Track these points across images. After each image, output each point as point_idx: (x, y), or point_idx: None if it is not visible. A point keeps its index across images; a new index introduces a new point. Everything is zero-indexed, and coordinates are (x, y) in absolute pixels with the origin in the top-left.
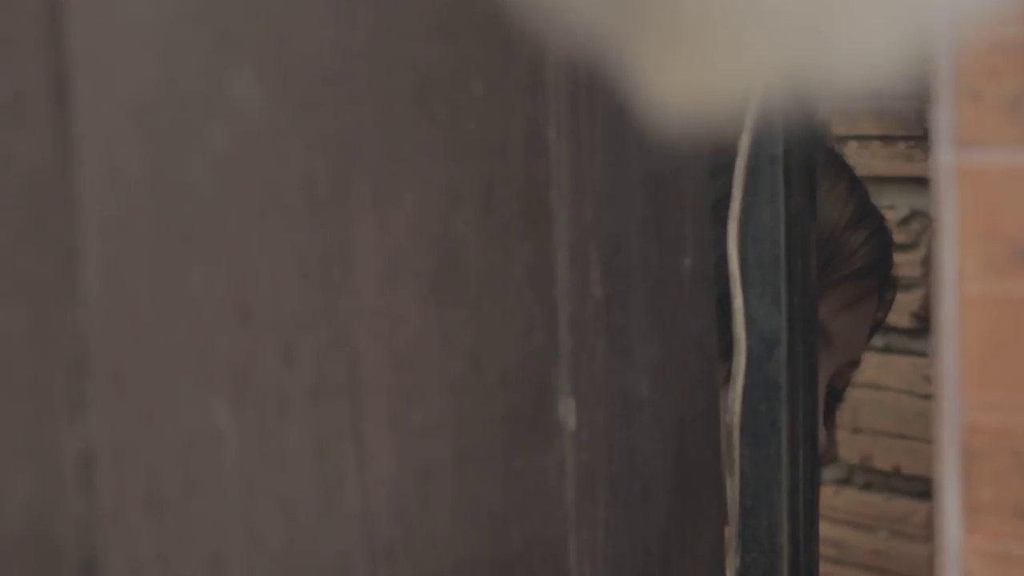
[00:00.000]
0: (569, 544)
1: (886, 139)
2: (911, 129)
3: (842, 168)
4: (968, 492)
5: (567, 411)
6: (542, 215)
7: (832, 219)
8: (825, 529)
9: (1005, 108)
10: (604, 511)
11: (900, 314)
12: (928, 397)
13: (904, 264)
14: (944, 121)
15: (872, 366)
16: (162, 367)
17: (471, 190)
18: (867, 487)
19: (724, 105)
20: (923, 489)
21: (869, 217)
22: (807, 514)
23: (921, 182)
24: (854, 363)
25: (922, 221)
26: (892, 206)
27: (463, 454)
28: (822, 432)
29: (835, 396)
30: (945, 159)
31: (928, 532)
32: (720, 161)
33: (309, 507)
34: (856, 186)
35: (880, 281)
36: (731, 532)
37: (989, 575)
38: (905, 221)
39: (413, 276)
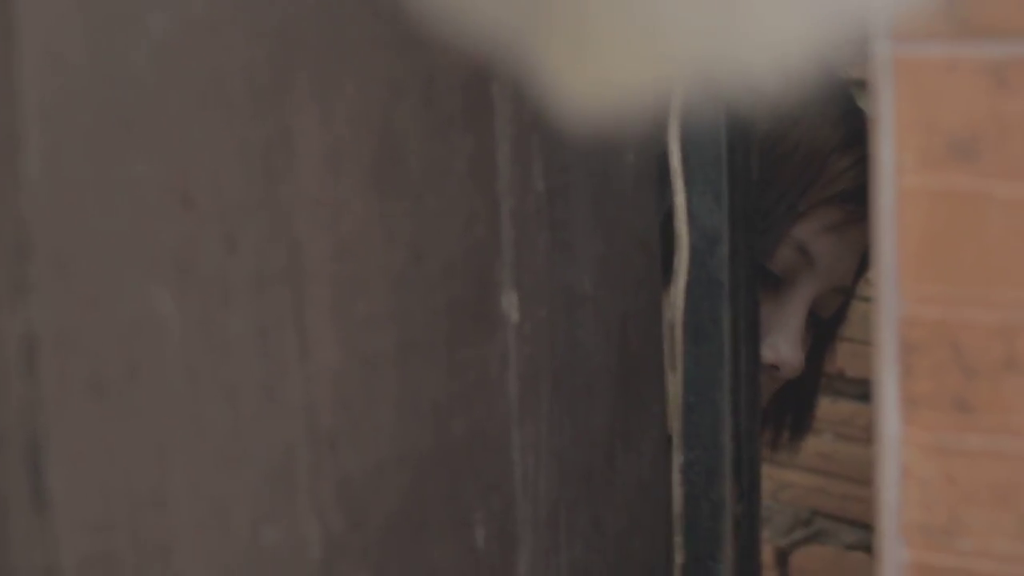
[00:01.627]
0: (512, 436)
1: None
2: None
3: (839, 91)
4: (906, 385)
5: (510, 304)
6: (484, 108)
7: (821, 140)
8: None
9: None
10: (547, 404)
11: None
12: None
13: None
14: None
15: None
16: (104, 253)
17: (412, 81)
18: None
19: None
20: (867, 392)
21: (860, 142)
22: (749, 411)
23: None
24: (842, 289)
25: None
26: None
27: (406, 345)
28: (788, 347)
29: (823, 325)
30: (882, 51)
31: (871, 434)
32: None
33: (252, 395)
34: (851, 112)
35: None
36: (674, 429)
37: (926, 468)
38: None
39: (355, 166)
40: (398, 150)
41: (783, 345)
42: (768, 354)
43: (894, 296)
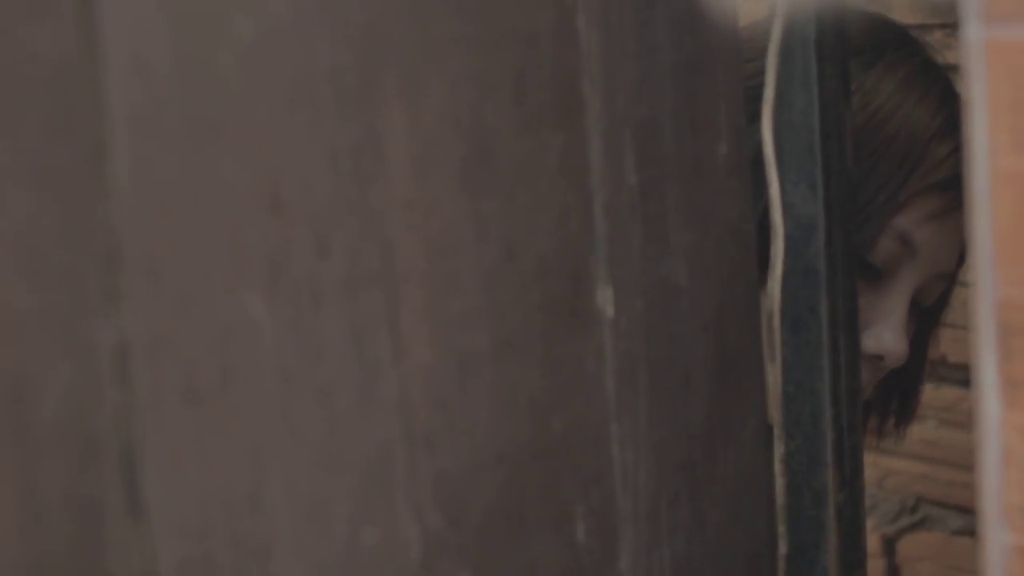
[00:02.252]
0: (611, 431)
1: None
2: (946, 17)
3: (937, 77)
4: (1006, 368)
5: (605, 299)
6: (574, 104)
7: (920, 127)
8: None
9: None
10: (645, 398)
11: None
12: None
13: None
14: None
15: None
16: (194, 259)
17: (501, 80)
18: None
19: None
20: (970, 377)
21: (961, 129)
22: (849, 399)
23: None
24: (944, 276)
25: None
26: None
27: (500, 342)
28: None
29: (926, 312)
30: (974, 34)
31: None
32: (753, 48)
33: (346, 397)
34: (949, 97)
35: None
36: (774, 419)
37: None
38: None
39: (445, 166)
40: (488, 148)
41: (887, 335)
42: (872, 344)
43: (990, 279)
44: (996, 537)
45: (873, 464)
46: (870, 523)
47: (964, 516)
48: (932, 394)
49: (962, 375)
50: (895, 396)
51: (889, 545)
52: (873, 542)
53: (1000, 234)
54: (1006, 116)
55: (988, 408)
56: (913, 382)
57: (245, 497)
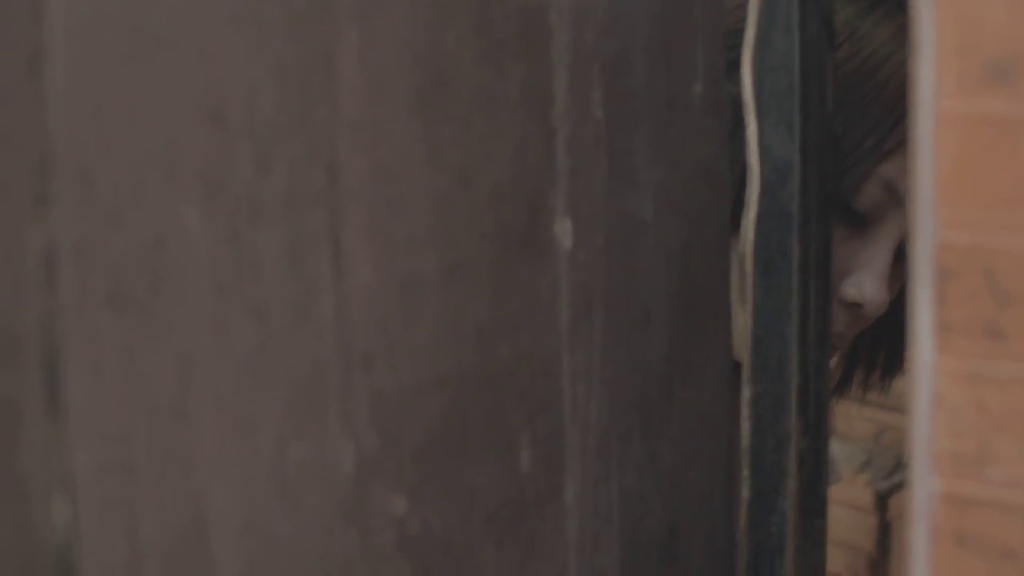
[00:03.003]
0: (562, 363)
1: None
2: None
3: None
4: (940, 312)
5: (563, 230)
6: (540, 35)
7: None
8: None
9: None
10: (600, 332)
11: None
12: None
13: None
14: None
15: None
16: (129, 168)
17: (463, 6)
18: None
19: None
20: None
21: None
22: (817, 346)
23: None
24: None
25: None
26: None
27: (449, 267)
28: (872, 285)
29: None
30: None
31: None
32: None
33: (281, 313)
34: None
35: None
36: (743, 362)
37: (959, 395)
38: None
39: (399, 90)
40: (445, 75)
41: (867, 283)
42: (852, 292)
43: (929, 222)
44: (924, 483)
45: (869, 419)
46: (864, 478)
47: None
48: None
49: None
50: (882, 347)
51: (882, 501)
52: (867, 497)
53: (942, 176)
54: (952, 59)
55: (921, 353)
56: (901, 334)
57: (169, 406)
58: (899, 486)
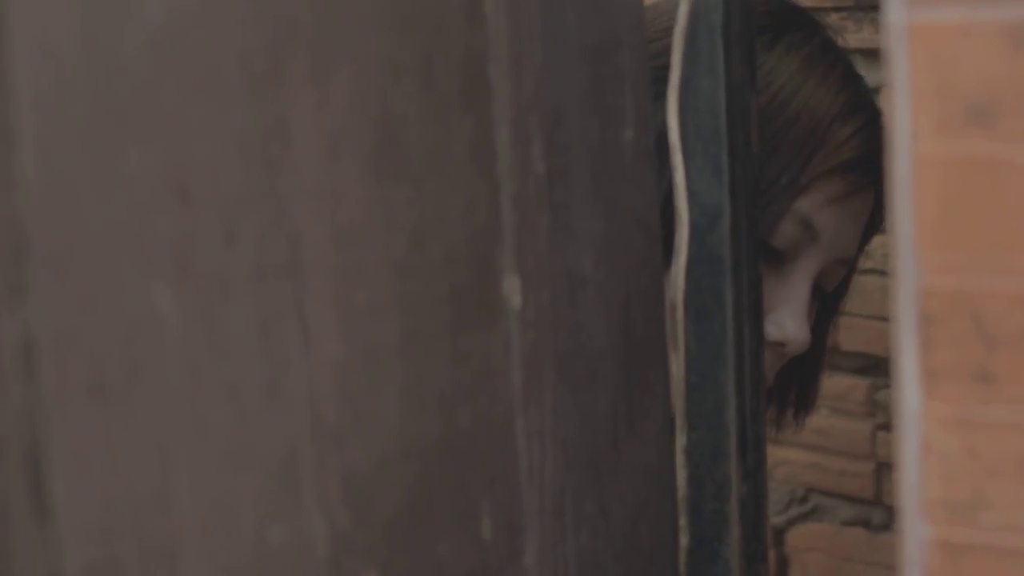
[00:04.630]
0: (516, 424)
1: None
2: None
3: (837, 57)
4: (926, 358)
5: (512, 289)
6: (482, 89)
7: (822, 109)
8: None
9: None
10: (551, 390)
11: None
12: (868, 272)
13: None
14: None
15: None
16: (102, 251)
17: (410, 64)
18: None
19: None
20: (863, 365)
21: (862, 110)
22: (753, 390)
23: (864, 53)
24: (845, 262)
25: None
26: None
27: (409, 334)
28: (794, 324)
29: (827, 299)
30: (896, 17)
31: (868, 408)
32: (656, 28)
33: (254, 392)
34: (851, 77)
35: (873, 178)
36: (677, 410)
37: (948, 442)
38: None
39: (354, 153)
40: (397, 135)
41: (788, 321)
42: (773, 331)
43: (912, 267)
44: (915, 531)
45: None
46: None
47: (854, 506)
48: (825, 383)
49: (855, 363)
50: (794, 385)
51: (778, 536)
52: None
53: (923, 221)
54: (929, 101)
55: (908, 400)
56: (813, 370)
57: (152, 496)
58: (795, 520)
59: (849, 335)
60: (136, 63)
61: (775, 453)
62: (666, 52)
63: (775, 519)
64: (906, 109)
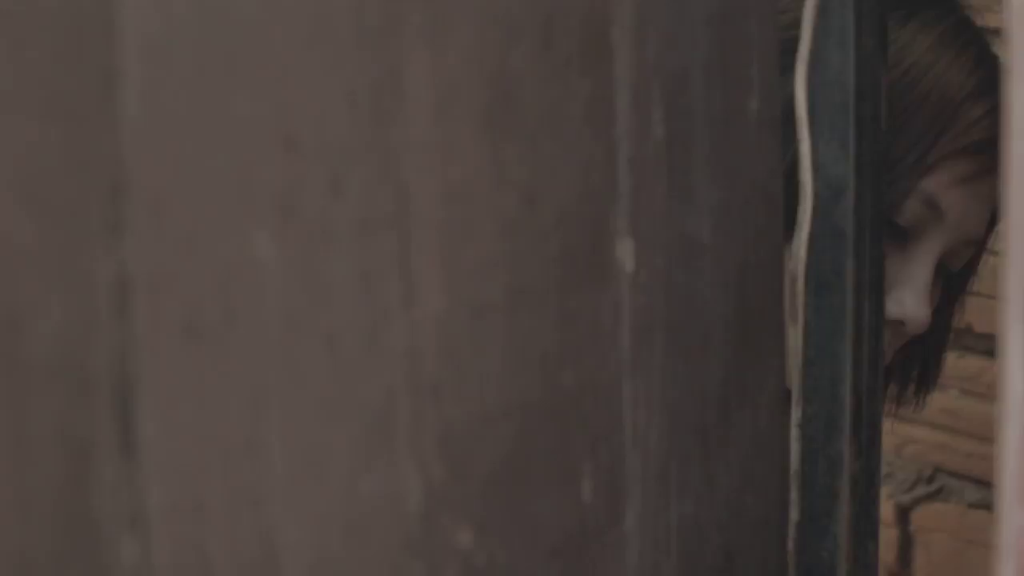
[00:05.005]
0: (623, 389)
1: None
2: None
3: (972, 37)
4: None
5: (625, 252)
6: (603, 52)
7: (953, 88)
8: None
9: None
10: (661, 357)
11: None
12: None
13: None
14: None
15: None
16: (203, 194)
17: (529, 24)
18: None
19: None
20: (994, 347)
21: (994, 91)
22: (871, 366)
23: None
24: (972, 243)
25: None
26: None
27: (516, 292)
28: (915, 302)
29: (953, 278)
30: None
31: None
32: (789, 2)
33: (352, 342)
34: (985, 57)
35: None
36: (793, 384)
37: None
38: None
39: (467, 110)
40: (513, 94)
41: (909, 300)
42: (894, 309)
43: (1022, 246)
44: (1012, 516)
45: (891, 431)
46: (885, 491)
47: (982, 489)
48: (955, 363)
49: (987, 345)
50: (917, 363)
51: (903, 514)
52: (887, 511)
53: None
54: None
55: (1012, 382)
56: (936, 350)
57: (242, 441)
58: (921, 499)
59: (981, 317)
60: (245, 9)
61: (903, 431)
62: (797, 24)
63: (901, 497)
64: (1023, 91)
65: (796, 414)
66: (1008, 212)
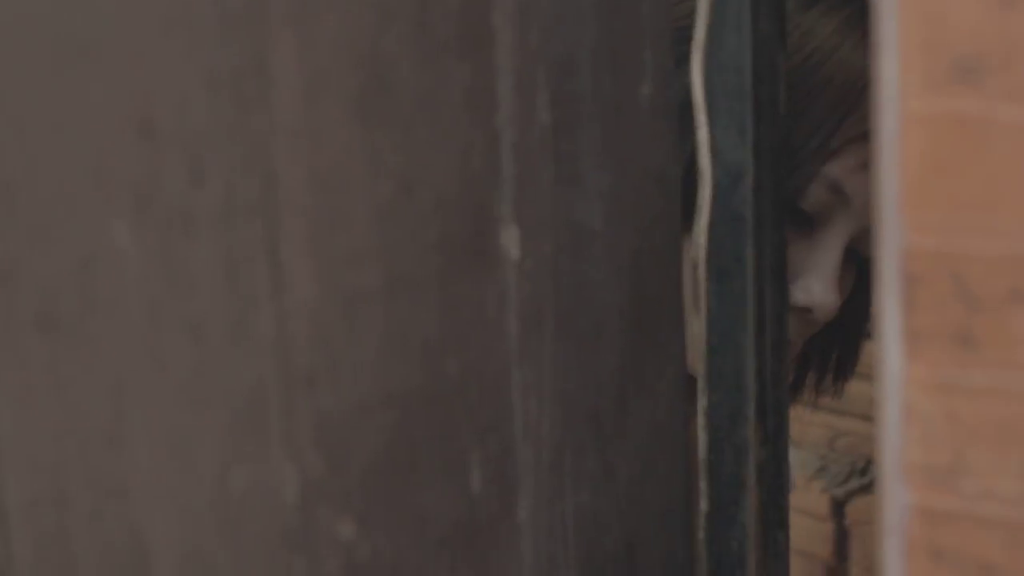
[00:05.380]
0: (512, 378)
1: None
2: None
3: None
4: (909, 319)
5: (510, 239)
6: (483, 36)
7: (857, 72)
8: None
9: None
10: (551, 345)
11: None
12: None
13: None
14: None
15: None
16: (57, 183)
17: (402, 6)
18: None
19: None
20: None
21: None
22: (775, 353)
23: None
24: None
25: None
26: None
27: (393, 280)
28: (822, 289)
29: (867, 264)
30: None
31: None
32: None
33: (217, 331)
34: None
35: None
36: (698, 372)
37: (929, 406)
38: None
39: (338, 95)
40: (386, 78)
41: (816, 287)
42: (801, 296)
43: (896, 225)
44: (895, 495)
45: (823, 425)
46: (819, 485)
47: None
48: None
49: None
50: (835, 350)
51: (838, 508)
52: (822, 504)
53: (908, 178)
54: (918, 56)
55: (889, 362)
56: (853, 336)
57: (104, 432)
58: (855, 492)
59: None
60: None
61: (836, 424)
62: (692, 11)
63: (835, 491)
64: (894, 64)
65: (702, 402)
66: (881, 188)
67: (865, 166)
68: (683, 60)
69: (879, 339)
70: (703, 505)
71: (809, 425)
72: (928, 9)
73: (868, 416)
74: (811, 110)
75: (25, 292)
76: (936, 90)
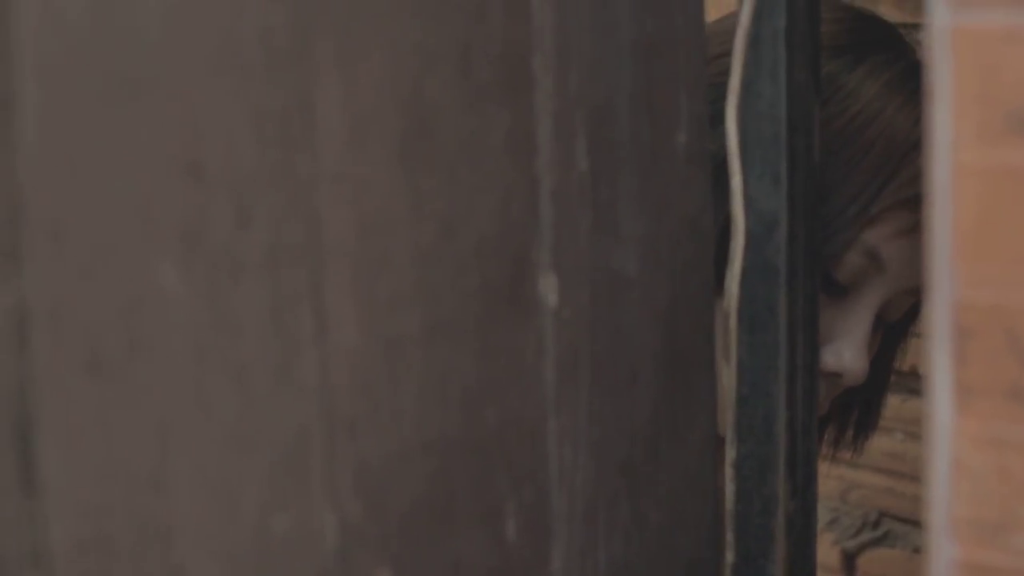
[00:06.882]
0: (548, 426)
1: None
2: None
3: (920, 84)
4: (959, 373)
5: (548, 287)
6: (523, 81)
7: (899, 136)
8: None
9: None
10: (587, 393)
11: None
12: None
13: None
14: None
15: None
16: (105, 223)
17: (446, 52)
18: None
19: None
20: None
21: None
22: (805, 404)
23: None
24: (913, 291)
25: None
26: None
27: (433, 327)
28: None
29: (892, 327)
30: (940, 19)
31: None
32: (721, 43)
33: (262, 375)
34: None
35: None
36: (727, 422)
37: (979, 461)
38: None
39: (382, 138)
40: (428, 122)
41: (847, 353)
42: (831, 361)
43: (947, 279)
44: (943, 550)
45: (837, 477)
46: (831, 537)
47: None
48: (899, 406)
49: None
50: (856, 407)
51: (849, 560)
52: (833, 557)
53: (961, 232)
54: (972, 108)
55: (939, 416)
56: (875, 394)
57: (148, 476)
58: (867, 545)
59: (926, 359)
60: (149, 33)
61: (849, 476)
62: (726, 57)
63: (847, 543)
64: (947, 117)
65: (730, 453)
66: (933, 241)
67: (903, 233)
68: (719, 117)
69: (929, 393)
70: (729, 556)
71: (822, 477)
72: (982, 62)
73: (881, 468)
74: (852, 176)
75: (72, 333)
76: (990, 142)
